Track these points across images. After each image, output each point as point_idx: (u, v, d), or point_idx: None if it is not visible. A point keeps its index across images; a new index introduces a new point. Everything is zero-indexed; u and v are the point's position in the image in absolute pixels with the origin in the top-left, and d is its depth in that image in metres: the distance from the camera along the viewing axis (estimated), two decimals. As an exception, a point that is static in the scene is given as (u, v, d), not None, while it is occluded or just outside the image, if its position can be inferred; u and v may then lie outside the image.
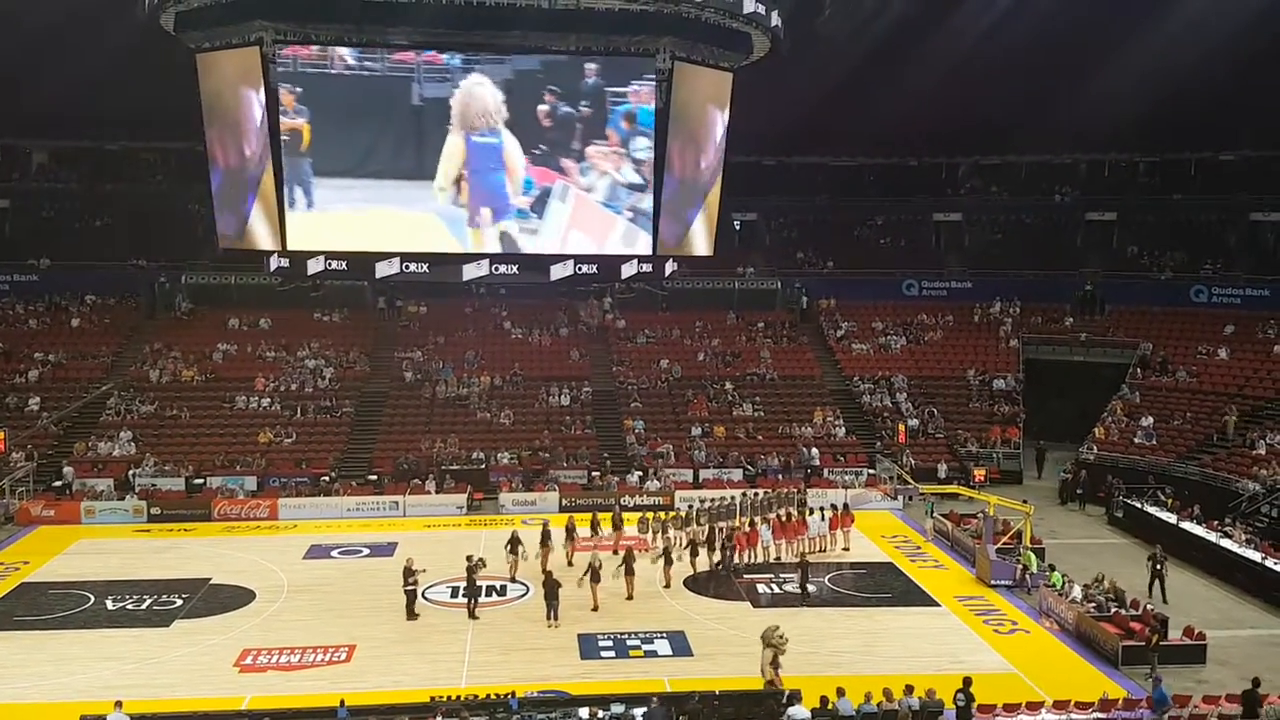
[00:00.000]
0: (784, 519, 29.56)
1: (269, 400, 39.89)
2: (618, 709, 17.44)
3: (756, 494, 31.88)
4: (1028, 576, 26.44)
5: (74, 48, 36.29)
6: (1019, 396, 41.82)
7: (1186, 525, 29.64)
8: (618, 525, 29.85)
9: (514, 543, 26.84)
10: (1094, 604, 23.36)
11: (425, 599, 25.00)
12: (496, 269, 27.22)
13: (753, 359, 43.85)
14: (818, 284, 48.23)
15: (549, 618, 23.73)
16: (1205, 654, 21.92)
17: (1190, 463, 35.24)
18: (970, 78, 38.87)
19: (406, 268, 26.70)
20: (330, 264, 26.62)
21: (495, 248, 27.01)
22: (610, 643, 22.82)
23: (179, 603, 25.27)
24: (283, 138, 25.50)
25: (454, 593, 25.58)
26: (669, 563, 26.75)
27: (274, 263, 27.00)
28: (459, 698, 18.66)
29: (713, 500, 31.21)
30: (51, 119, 45.59)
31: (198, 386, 40.62)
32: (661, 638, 23.10)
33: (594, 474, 36.50)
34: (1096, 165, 50.45)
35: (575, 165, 26.77)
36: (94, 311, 44.56)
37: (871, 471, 37.31)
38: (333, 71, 25.84)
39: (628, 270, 28.09)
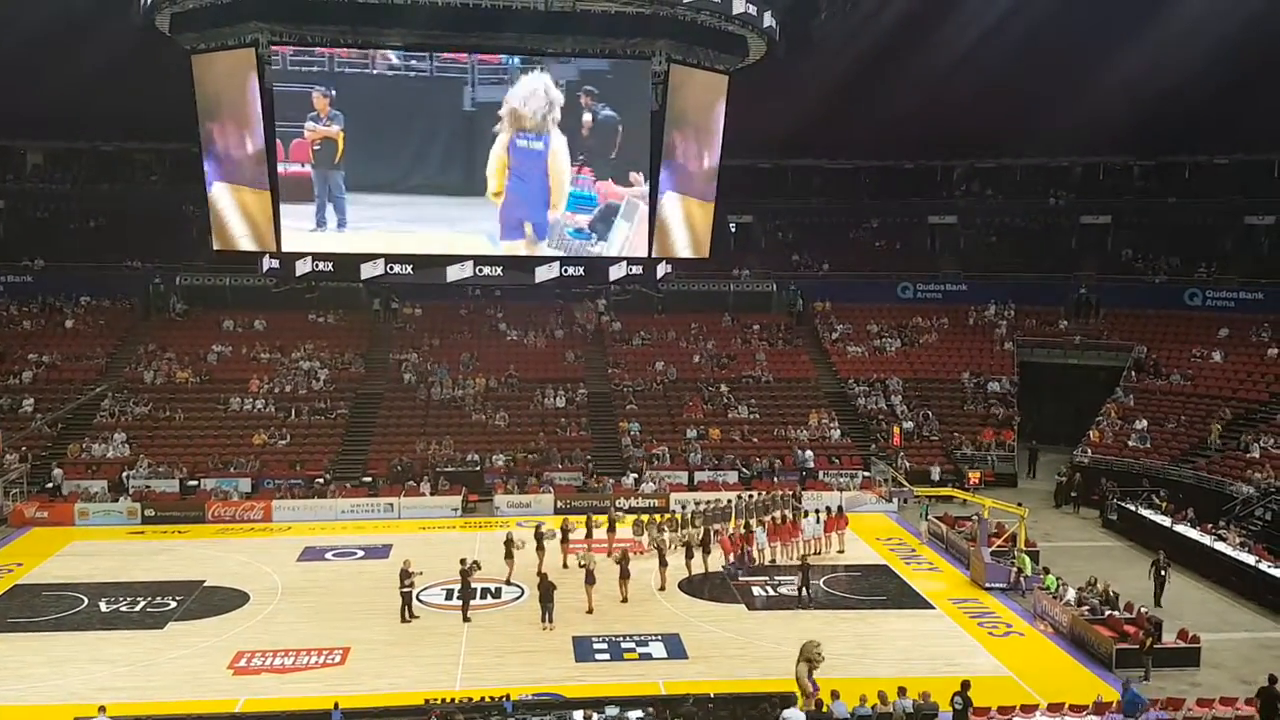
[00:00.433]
0: (778, 521, 29.58)
1: (263, 402, 39.82)
2: (612, 711, 17.44)
3: (751, 496, 31.89)
4: (1022, 579, 26.43)
5: (69, 48, 36.18)
6: (1013, 399, 41.88)
7: (1180, 528, 29.70)
8: (612, 528, 29.85)
9: (509, 545, 26.82)
10: (1088, 607, 23.39)
11: (420, 601, 24.97)
12: (481, 270, 26.52)
13: (748, 361, 43.88)
14: (813, 286, 48.25)
15: (544, 620, 23.72)
16: (1199, 657, 21.93)
17: (1184, 466, 35.32)
18: (965, 81, 38.88)
19: (391, 269, 25.84)
20: (317, 265, 25.84)
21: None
22: (605, 645, 22.81)
23: (173, 605, 25.22)
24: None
25: (449, 595, 25.57)
26: (663, 564, 26.77)
27: (266, 264, 26.92)
28: (453, 700, 18.65)
29: (708, 502, 31.25)
30: (46, 120, 45.44)
31: (192, 388, 40.54)
32: (656, 640, 23.09)
33: (587, 476, 36.53)
34: (1091, 168, 50.59)
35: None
36: (88, 313, 44.45)
37: (866, 474, 37.35)
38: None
39: (616, 272, 27.60)
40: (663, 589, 26.45)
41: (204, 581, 27.10)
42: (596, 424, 40.28)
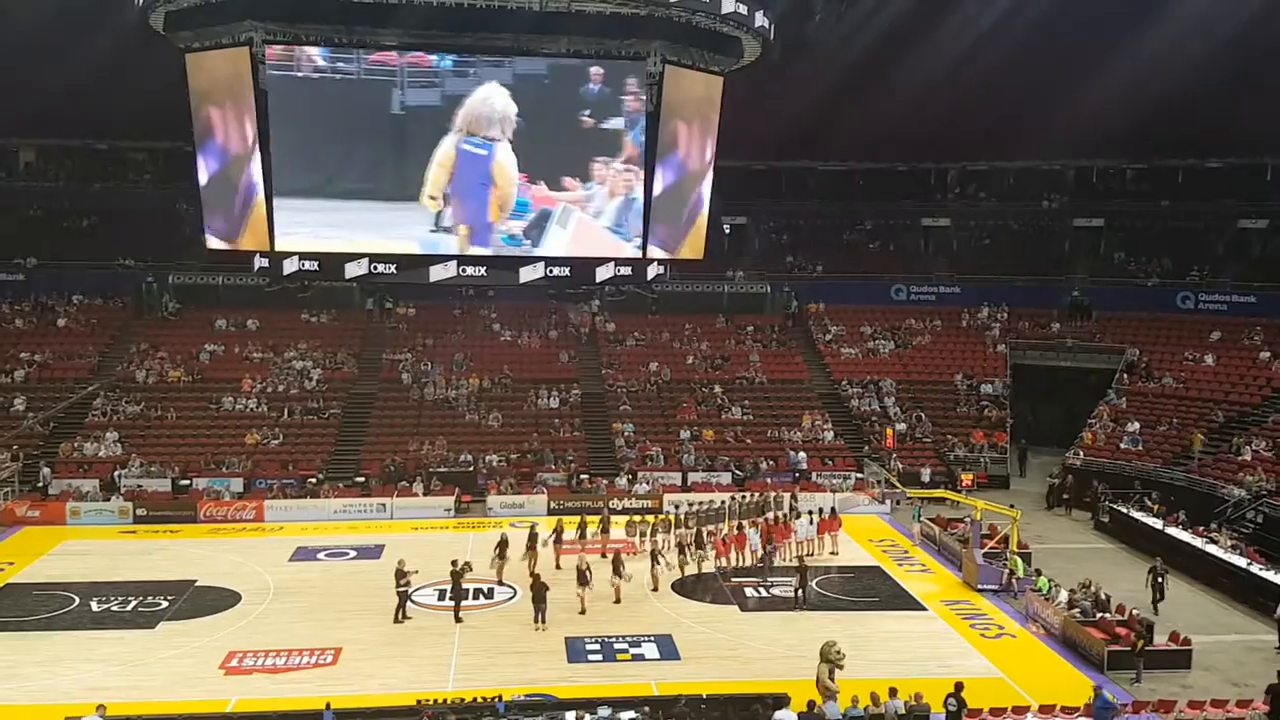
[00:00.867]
0: (772, 523, 29.58)
1: (256, 401, 39.73)
2: (604, 712, 17.44)
3: (744, 497, 31.90)
4: (1014, 581, 26.47)
5: (63, 47, 36.12)
6: (1006, 401, 41.96)
7: (1172, 531, 29.78)
8: (605, 528, 29.83)
9: (502, 545, 26.80)
10: (1079, 609, 23.43)
11: (412, 602, 24.89)
12: (464, 270, 26.36)
13: (742, 362, 43.90)
14: (807, 288, 48.32)
15: (536, 621, 23.70)
16: (1191, 659, 21.99)
17: (1176, 468, 35.41)
18: (959, 84, 39.00)
19: (375, 268, 25.75)
20: (303, 264, 25.70)
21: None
22: (597, 646, 22.80)
23: (164, 604, 25.14)
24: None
25: (441, 595, 25.49)
26: (655, 564, 26.76)
27: (258, 263, 26.87)
28: (446, 701, 18.66)
29: (701, 504, 31.24)
30: (39, 118, 45.29)
31: (184, 387, 40.45)
32: (649, 641, 23.07)
33: (581, 477, 36.48)
34: (1084, 172, 50.71)
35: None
36: (80, 311, 44.32)
37: (859, 475, 37.39)
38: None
39: (603, 273, 27.41)
40: (656, 589, 26.44)
41: (196, 581, 27.01)
42: (590, 425, 40.26)
